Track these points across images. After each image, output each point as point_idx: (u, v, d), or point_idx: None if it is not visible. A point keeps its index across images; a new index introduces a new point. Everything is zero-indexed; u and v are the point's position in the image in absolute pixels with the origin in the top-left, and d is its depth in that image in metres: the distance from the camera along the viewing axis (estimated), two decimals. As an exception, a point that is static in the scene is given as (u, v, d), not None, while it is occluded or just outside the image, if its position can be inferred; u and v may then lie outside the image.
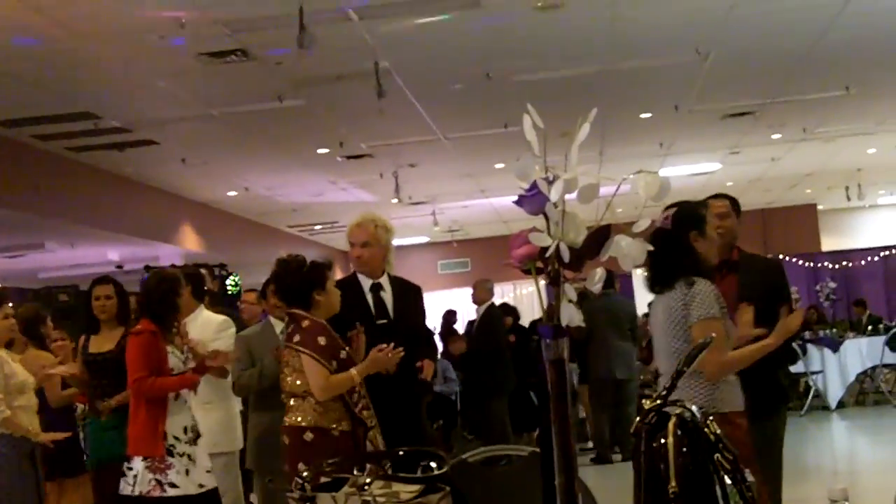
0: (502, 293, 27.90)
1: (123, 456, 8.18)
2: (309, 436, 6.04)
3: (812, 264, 27.07)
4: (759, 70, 13.20)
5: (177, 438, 7.28)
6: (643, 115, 15.42)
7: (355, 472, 2.63)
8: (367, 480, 2.53)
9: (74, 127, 13.18)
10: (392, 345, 6.32)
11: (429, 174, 18.57)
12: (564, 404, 2.78)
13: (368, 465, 2.64)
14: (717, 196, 6.85)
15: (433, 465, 2.75)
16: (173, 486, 7.13)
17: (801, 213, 26.70)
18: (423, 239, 27.68)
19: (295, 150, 15.98)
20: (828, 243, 28.42)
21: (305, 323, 6.17)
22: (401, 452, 3.90)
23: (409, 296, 7.24)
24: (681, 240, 5.57)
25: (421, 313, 7.49)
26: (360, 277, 7.00)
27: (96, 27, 9.77)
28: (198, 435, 7.45)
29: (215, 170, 16.87)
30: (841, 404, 17.39)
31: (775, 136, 17.89)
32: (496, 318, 14.00)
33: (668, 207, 5.70)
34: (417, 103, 13.30)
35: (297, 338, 6.14)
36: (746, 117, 15.98)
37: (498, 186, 20.08)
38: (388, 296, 7.02)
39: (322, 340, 6.09)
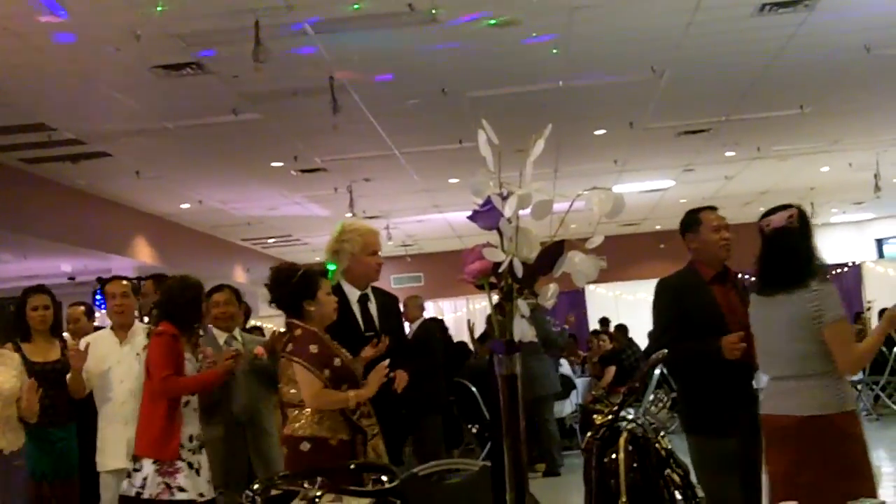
0: (455, 308, 27.95)
1: (75, 469, 8.11)
2: (306, 445, 5.94)
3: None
4: (713, 88, 13.28)
5: (181, 445, 7.24)
6: (598, 132, 15.48)
7: (306, 486, 2.62)
8: (318, 494, 2.52)
9: (28, 138, 13.10)
10: (388, 362, 6.32)
11: (383, 189, 18.57)
12: (516, 419, 2.78)
13: (319, 479, 2.63)
14: (712, 208, 6.87)
15: (384, 478, 2.74)
16: (182, 489, 7.09)
17: (754, 231, 26.73)
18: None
19: (249, 164, 15.94)
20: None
21: (298, 332, 6.13)
22: (352, 466, 3.90)
23: (392, 307, 7.23)
24: (809, 239, 5.61)
25: (402, 324, 7.51)
26: (347, 288, 6.88)
27: (51, 39, 9.71)
28: (202, 444, 7.41)
29: (169, 182, 16.80)
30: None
31: (729, 154, 18.00)
32: (429, 335, 13.96)
33: (781, 208, 5.73)
34: (373, 118, 13.29)
35: (289, 347, 6.11)
36: (701, 135, 16.07)
37: (452, 202, 20.10)
38: (373, 307, 6.98)
39: (314, 349, 6.03)
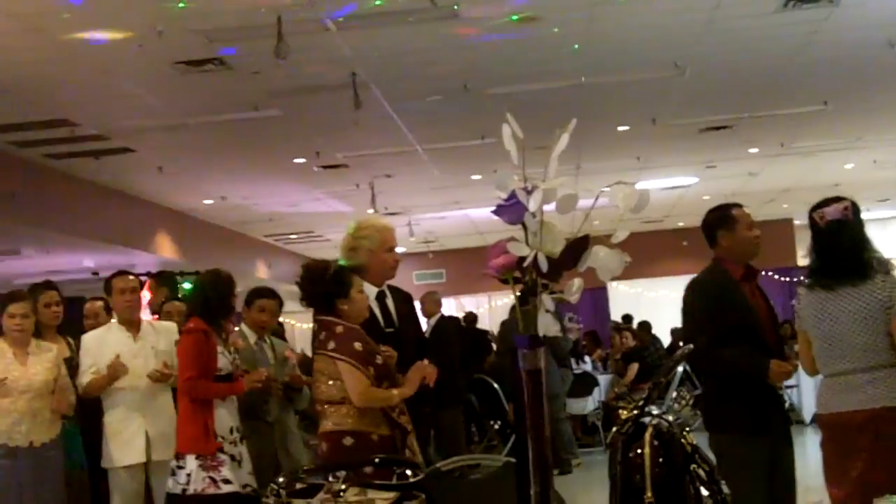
0: (477, 304, 27.90)
1: (83, 465, 8.07)
2: (349, 440, 5.84)
3: (788, 279, 27.12)
4: (736, 84, 13.23)
5: (223, 438, 7.25)
6: (620, 129, 15.44)
7: (330, 479, 2.62)
8: (343, 487, 2.52)
9: (52, 134, 13.12)
10: (426, 361, 6.27)
11: (405, 185, 18.56)
12: (540, 415, 2.78)
13: (343, 472, 2.63)
14: (739, 205, 6.79)
15: (408, 472, 2.74)
16: (227, 482, 7.09)
17: (778, 228, 26.68)
18: (399, 250, 27.51)
19: (271, 160, 15.96)
20: (804, 258, 28.39)
21: (339, 329, 6.03)
22: (376, 460, 3.89)
23: (408, 303, 7.15)
24: (864, 231, 5.57)
25: (417, 320, 7.47)
26: (364, 286, 6.62)
27: (74, 35, 9.73)
28: (243, 435, 7.42)
29: (192, 178, 16.83)
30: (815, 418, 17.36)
31: (752, 151, 17.94)
32: (446, 331, 13.95)
33: (834, 200, 5.69)
34: (394, 114, 13.28)
35: (331, 344, 5.98)
36: (724, 131, 16.01)
37: (474, 198, 20.06)
38: (391, 303, 6.89)
39: (358, 346, 5.96)
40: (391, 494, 2.47)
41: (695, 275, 6.71)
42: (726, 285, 6.46)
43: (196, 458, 7.11)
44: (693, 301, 6.51)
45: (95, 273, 19.22)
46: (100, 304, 9.42)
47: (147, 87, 11.55)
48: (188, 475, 7.08)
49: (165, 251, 18.97)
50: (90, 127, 13.03)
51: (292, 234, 24.29)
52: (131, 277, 8.31)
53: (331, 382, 5.99)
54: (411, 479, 2.56)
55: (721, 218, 6.63)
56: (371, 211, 18.58)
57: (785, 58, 12.05)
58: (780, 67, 12.45)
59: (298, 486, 2.47)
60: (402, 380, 6.15)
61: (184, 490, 7.09)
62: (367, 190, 17.88)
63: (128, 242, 17.72)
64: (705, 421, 6.28)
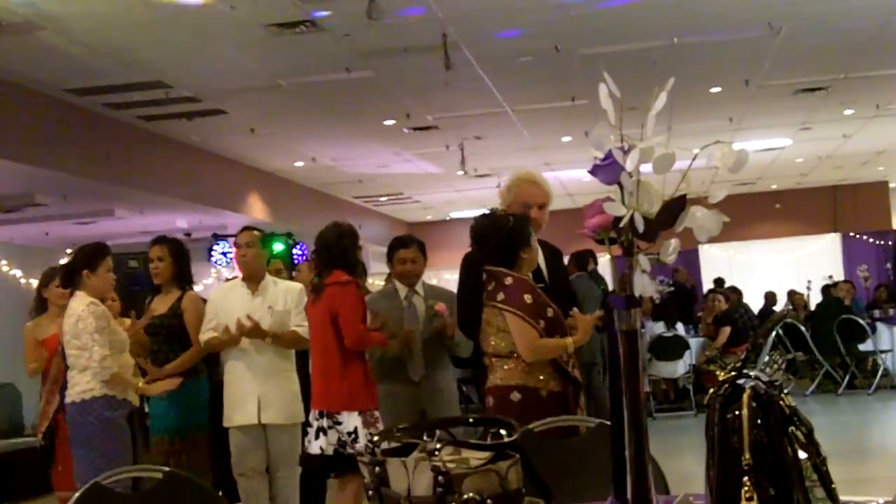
0: (566, 266, 27.80)
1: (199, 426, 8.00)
2: (516, 395, 5.75)
3: (883, 242, 26.77)
4: (832, 45, 13.05)
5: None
6: (713, 90, 15.30)
7: (425, 438, 2.63)
8: (438, 446, 2.53)
9: (145, 96, 13.28)
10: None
11: (494, 147, 18.54)
12: (636, 376, 2.77)
13: (438, 432, 2.64)
14: None
15: (503, 432, 2.75)
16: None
17: (873, 191, 26.33)
18: (488, 211, 27.58)
19: (362, 122, 16.02)
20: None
21: (508, 280, 5.86)
22: (471, 419, 3.89)
23: (557, 258, 6.98)
24: None
25: (567, 275, 7.33)
26: None
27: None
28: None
29: (283, 140, 16.96)
30: (910, 383, 17.17)
31: (847, 113, 17.70)
32: None
33: None
34: (485, 75, 13.26)
35: (500, 296, 5.84)
36: (818, 93, 15.82)
37: (563, 160, 19.98)
38: (541, 258, 6.66)
39: (528, 298, 5.80)
40: (486, 454, 2.47)
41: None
42: None
43: (359, 415, 7.05)
44: None
45: (188, 234, 19.45)
46: None
47: (240, 49, 11.63)
48: (350, 434, 6.98)
49: (256, 212, 19.14)
50: (183, 89, 13.16)
51: (382, 195, 24.39)
52: (246, 234, 8.28)
53: (499, 335, 5.87)
54: (505, 440, 2.56)
55: None
56: (460, 173, 18.61)
57: (882, 17, 11.86)
58: (877, 28, 12.26)
59: (394, 444, 2.49)
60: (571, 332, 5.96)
61: (338, 451, 6.98)
62: (456, 152, 17.91)
63: (219, 203, 17.91)
64: None
